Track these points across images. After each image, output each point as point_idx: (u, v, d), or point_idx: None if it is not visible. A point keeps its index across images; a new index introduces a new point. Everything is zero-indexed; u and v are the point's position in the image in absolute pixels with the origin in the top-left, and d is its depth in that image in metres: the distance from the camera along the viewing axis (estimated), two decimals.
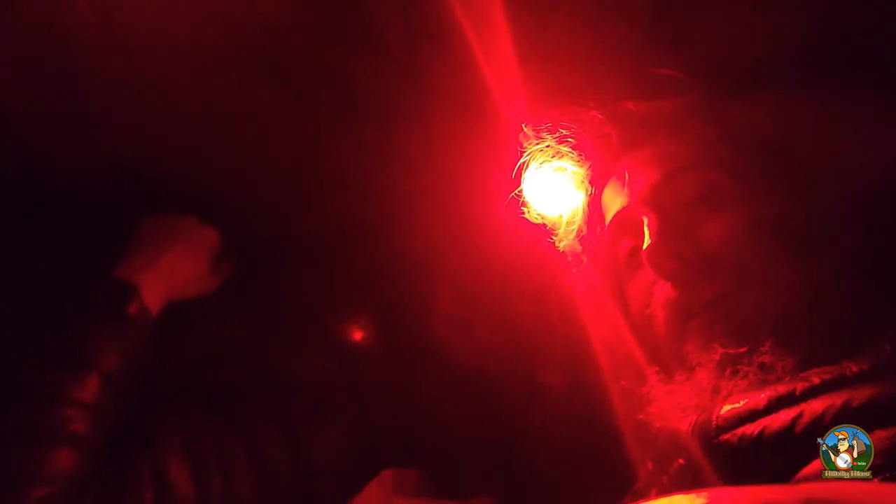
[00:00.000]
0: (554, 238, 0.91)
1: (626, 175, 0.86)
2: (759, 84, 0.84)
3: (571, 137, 0.87)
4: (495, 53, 0.95)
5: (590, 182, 0.90)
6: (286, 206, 1.25)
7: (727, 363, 0.72)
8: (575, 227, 0.91)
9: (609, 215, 0.89)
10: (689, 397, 0.75)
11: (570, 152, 0.87)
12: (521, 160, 0.88)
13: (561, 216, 0.92)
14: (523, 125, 0.87)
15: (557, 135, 0.87)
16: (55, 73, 1.04)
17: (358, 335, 1.31)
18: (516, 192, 0.91)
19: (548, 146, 0.87)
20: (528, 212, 0.92)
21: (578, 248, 0.92)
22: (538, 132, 0.87)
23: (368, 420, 1.22)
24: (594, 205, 0.91)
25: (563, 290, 0.93)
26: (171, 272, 1.12)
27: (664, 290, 0.80)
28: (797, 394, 0.64)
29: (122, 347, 1.00)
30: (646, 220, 0.81)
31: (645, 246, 0.79)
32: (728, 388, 0.71)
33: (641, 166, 0.85)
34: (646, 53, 0.91)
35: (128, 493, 0.95)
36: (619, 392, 0.84)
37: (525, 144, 0.88)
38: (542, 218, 0.92)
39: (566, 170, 0.89)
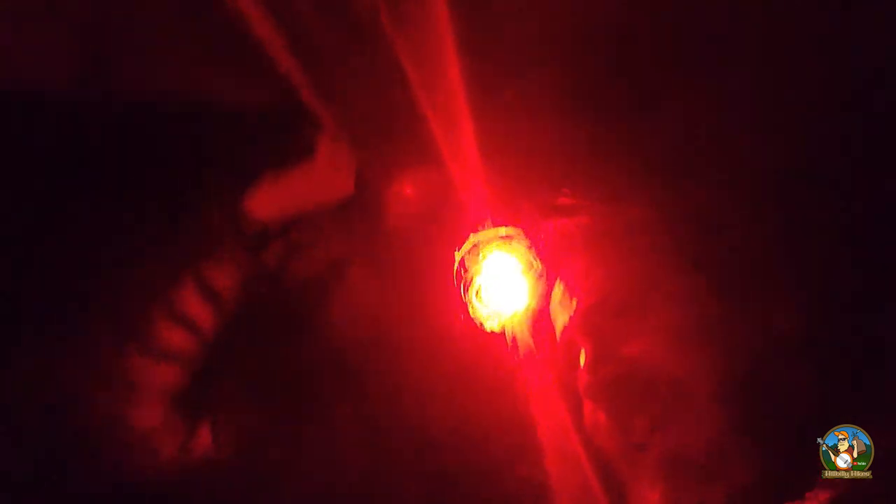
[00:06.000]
0: (506, 339, 0.93)
1: (563, 287, 0.86)
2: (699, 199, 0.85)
3: (521, 245, 0.89)
4: (459, 150, 0.98)
5: (538, 284, 0.92)
6: None
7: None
8: (525, 330, 0.92)
9: (557, 327, 0.88)
10: None
11: (519, 258, 0.89)
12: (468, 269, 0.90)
13: (510, 320, 0.93)
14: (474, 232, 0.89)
15: (506, 240, 0.89)
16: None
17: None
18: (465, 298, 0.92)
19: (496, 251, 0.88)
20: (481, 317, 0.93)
21: (531, 345, 0.92)
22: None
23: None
24: (543, 312, 0.92)
25: (518, 388, 0.93)
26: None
27: (602, 420, 0.79)
28: None
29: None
30: (582, 352, 0.80)
31: (580, 380, 0.80)
32: None
33: (578, 279, 0.85)
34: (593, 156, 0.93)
35: None
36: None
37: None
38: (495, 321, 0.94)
39: (514, 275, 0.91)
